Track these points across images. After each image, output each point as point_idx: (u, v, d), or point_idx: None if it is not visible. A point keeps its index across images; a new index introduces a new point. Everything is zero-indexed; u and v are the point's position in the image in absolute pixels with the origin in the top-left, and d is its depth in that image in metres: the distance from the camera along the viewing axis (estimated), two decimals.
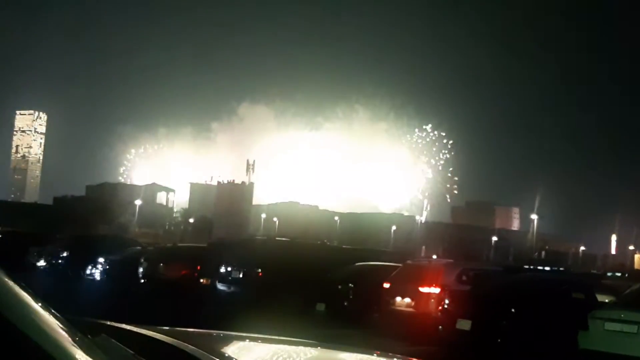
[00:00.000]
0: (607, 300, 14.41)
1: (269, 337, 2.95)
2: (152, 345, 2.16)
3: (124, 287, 26.10)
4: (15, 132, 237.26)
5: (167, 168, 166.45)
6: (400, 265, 18.83)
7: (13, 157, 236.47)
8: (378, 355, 2.95)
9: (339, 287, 19.25)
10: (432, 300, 15.93)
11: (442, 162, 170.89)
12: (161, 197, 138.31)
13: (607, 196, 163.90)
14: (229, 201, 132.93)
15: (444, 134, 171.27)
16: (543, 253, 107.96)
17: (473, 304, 14.33)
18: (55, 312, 1.65)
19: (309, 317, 17.91)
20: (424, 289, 16.41)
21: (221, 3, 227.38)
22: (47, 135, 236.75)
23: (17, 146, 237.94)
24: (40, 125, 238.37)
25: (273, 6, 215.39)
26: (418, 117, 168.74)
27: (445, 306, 14.71)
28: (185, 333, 2.72)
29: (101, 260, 30.82)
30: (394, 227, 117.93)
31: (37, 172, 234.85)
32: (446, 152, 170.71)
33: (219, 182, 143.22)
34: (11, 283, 1.52)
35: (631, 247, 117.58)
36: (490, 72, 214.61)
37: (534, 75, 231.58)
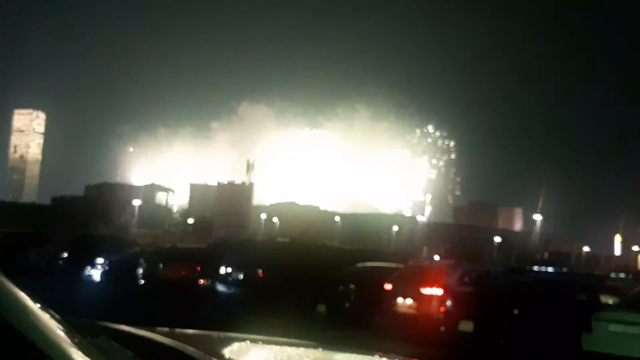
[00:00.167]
0: (610, 302, 14.38)
1: (270, 338, 2.93)
2: (151, 347, 2.15)
3: (123, 288, 26.09)
4: (13, 132, 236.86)
5: (167, 168, 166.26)
6: (401, 266, 18.80)
7: (11, 156, 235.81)
8: (380, 357, 2.93)
9: (340, 288, 19.23)
10: (434, 301, 15.91)
11: (443, 162, 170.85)
12: (160, 197, 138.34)
13: (611, 196, 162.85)
14: (229, 201, 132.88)
15: (445, 134, 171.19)
16: (546, 254, 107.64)
17: (475, 305, 14.31)
18: (54, 313, 1.64)
19: (309, 318, 17.89)
20: (426, 290, 16.38)
21: (221, 3, 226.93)
22: (46, 134, 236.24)
23: (15, 146, 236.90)
24: (38, 124, 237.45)
25: (273, 6, 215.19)
26: (420, 117, 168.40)
27: (448, 307, 14.69)
28: (185, 335, 2.72)
29: (100, 260, 30.81)
30: (395, 228, 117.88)
31: (36, 171, 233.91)
32: (448, 152, 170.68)
33: (218, 182, 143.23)
34: (9, 284, 1.50)
35: (635, 248, 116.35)
36: (492, 72, 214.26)
37: (535, 75, 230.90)
